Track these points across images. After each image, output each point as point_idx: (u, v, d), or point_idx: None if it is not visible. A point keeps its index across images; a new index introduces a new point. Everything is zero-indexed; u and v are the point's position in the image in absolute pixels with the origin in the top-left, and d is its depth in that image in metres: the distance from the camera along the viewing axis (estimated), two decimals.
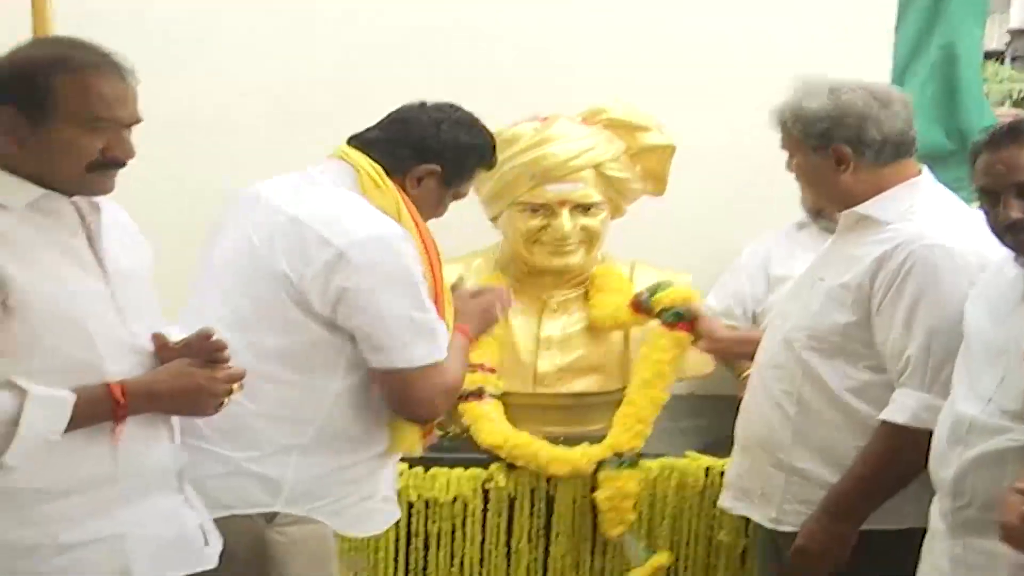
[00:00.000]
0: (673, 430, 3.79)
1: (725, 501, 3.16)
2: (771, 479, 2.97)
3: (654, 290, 3.59)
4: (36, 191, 2.34)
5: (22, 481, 2.31)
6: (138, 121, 2.41)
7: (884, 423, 2.78)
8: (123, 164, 2.39)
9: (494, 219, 3.73)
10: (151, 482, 2.47)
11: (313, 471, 2.76)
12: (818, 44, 3.97)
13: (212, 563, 2.57)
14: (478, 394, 3.56)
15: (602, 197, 3.62)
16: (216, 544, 2.59)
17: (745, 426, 3.08)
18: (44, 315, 2.30)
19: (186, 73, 3.91)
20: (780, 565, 3.05)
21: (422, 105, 2.93)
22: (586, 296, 3.76)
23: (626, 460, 3.43)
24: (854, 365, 2.86)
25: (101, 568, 2.40)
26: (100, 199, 2.47)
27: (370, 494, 2.88)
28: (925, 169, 2.98)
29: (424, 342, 2.72)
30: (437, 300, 2.82)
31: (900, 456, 2.75)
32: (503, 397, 3.62)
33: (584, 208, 3.60)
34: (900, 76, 4.37)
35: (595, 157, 3.58)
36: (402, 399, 2.78)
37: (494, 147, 2.99)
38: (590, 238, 3.64)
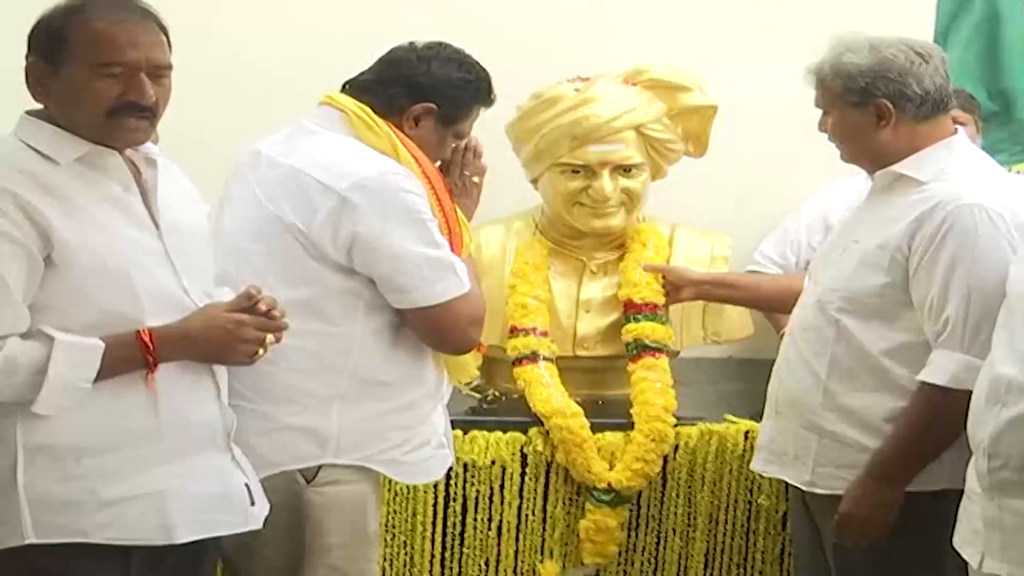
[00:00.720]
0: (712, 394, 3.79)
1: (757, 464, 3.14)
2: (804, 441, 2.95)
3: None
4: (85, 146, 2.35)
5: (63, 436, 2.32)
6: (160, 66, 2.39)
7: (923, 384, 2.76)
8: (146, 109, 2.37)
9: (535, 181, 3.69)
10: (196, 439, 2.47)
11: (358, 419, 2.77)
12: (860, 2, 3.91)
13: (257, 524, 2.57)
14: (532, 358, 3.54)
15: (643, 158, 3.59)
16: (263, 505, 2.59)
17: (777, 389, 3.06)
18: (88, 269, 2.30)
19: (212, 33, 3.91)
20: (812, 526, 3.04)
21: (411, 45, 2.92)
22: (623, 257, 3.72)
23: (614, 497, 3.41)
24: (890, 327, 2.83)
25: (142, 524, 2.39)
26: (157, 155, 2.48)
27: (425, 440, 2.88)
28: (960, 130, 2.97)
29: (444, 277, 2.74)
30: (451, 233, 2.83)
31: (941, 418, 2.72)
32: None
33: (625, 169, 3.56)
34: (943, 36, 4.31)
35: (636, 118, 3.54)
36: (435, 335, 2.80)
37: (489, 82, 2.95)
38: (631, 200, 3.60)
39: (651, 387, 3.49)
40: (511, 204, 3.76)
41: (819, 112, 2.97)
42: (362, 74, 2.91)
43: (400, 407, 2.82)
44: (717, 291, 3.65)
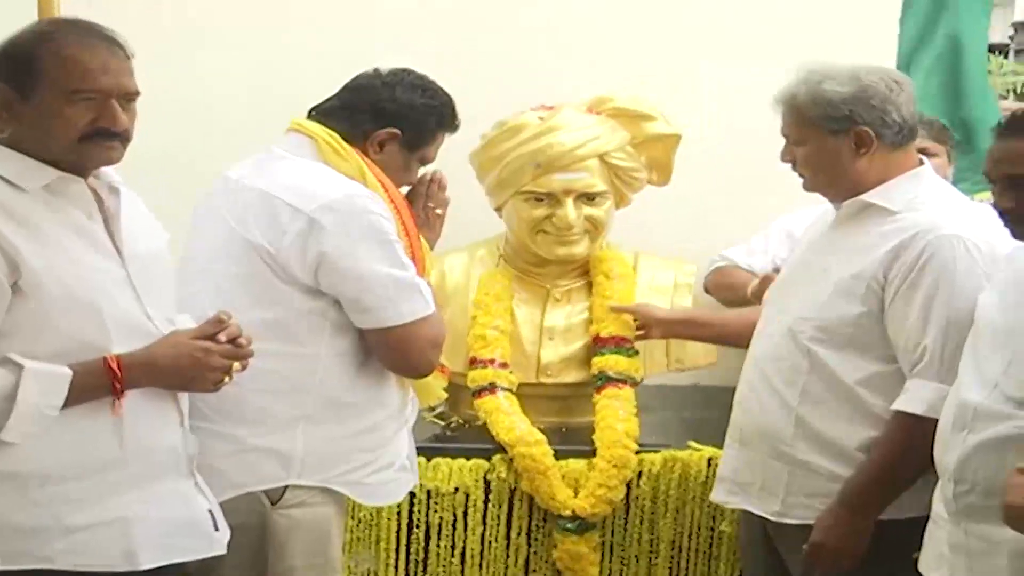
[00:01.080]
0: (676, 421, 3.80)
1: (719, 495, 3.13)
2: (773, 472, 2.95)
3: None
4: (52, 173, 2.36)
5: (27, 463, 2.32)
6: (129, 93, 2.41)
7: (899, 413, 2.76)
8: (117, 135, 2.39)
9: (498, 209, 3.71)
10: (160, 465, 2.47)
11: (323, 440, 2.78)
12: (823, 33, 3.95)
13: (221, 549, 2.57)
14: (491, 389, 3.57)
15: (607, 186, 3.61)
16: (225, 531, 2.59)
17: (742, 419, 3.05)
18: (55, 296, 2.31)
19: (192, 60, 3.90)
20: (772, 558, 3.03)
21: (376, 71, 2.96)
22: (590, 285, 3.74)
23: (579, 524, 3.41)
24: (863, 356, 2.84)
25: (106, 551, 2.40)
26: (119, 184, 2.49)
27: (389, 462, 2.90)
28: (927, 161, 2.99)
29: (408, 297, 2.76)
30: (415, 257, 2.85)
31: (916, 446, 2.71)
32: None
33: (589, 197, 3.59)
34: (905, 66, 4.35)
35: (600, 146, 3.57)
36: (395, 357, 2.82)
37: (453, 108, 2.99)
38: (595, 227, 3.62)
39: (614, 414, 3.51)
40: (475, 232, 3.77)
41: (775, 136, 2.97)
42: (327, 100, 2.94)
43: (364, 429, 2.84)
44: (686, 330, 3.65)
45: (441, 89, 2.97)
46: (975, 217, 2.84)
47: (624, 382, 3.58)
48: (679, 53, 4.02)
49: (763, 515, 2.99)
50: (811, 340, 2.87)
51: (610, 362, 3.59)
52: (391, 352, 2.80)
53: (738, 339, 3.58)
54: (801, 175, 2.99)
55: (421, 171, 3.05)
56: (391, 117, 2.88)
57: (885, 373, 2.82)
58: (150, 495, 2.44)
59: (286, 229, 2.70)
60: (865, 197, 2.87)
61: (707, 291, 3.94)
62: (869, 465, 2.81)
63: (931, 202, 2.85)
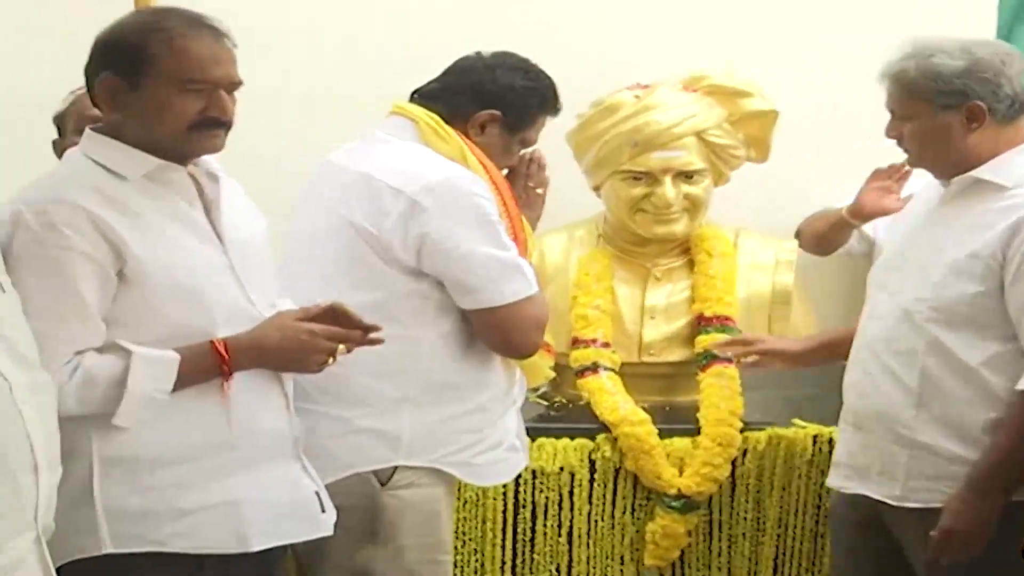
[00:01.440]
0: (780, 399, 3.77)
1: (835, 480, 3.07)
2: (892, 455, 2.89)
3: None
4: (153, 162, 2.39)
5: (138, 448, 2.36)
6: (234, 82, 2.44)
7: (1022, 393, 2.70)
8: (224, 124, 2.43)
9: (597, 188, 3.71)
10: (267, 448, 2.50)
11: (429, 421, 2.79)
12: (921, 4, 3.90)
13: (328, 531, 2.60)
14: (593, 369, 3.57)
15: (705, 164, 3.60)
16: (331, 512, 2.62)
17: (858, 403, 2.99)
18: (161, 284, 2.35)
19: (283, 47, 3.96)
20: (885, 541, 2.98)
21: (478, 55, 2.96)
22: (690, 264, 3.74)
23: (684, 503, 3.41)
24: (983, 336, 2.78)
25: (217, 534, 2.43)
26: (218, 171, 2.52)
27: (496, 443, 2.90)
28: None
29: (512, 278, 2.76)
30: (517, 239, 2.85)
31: None
32: None
33: (687, 175, 3.58)
34: (1005, 37, 4.26)
35: (697, 124, 3.56)
36: (498, 337, 2.81)
37: (555, 91, 2.98)
38: (694, 206, 3.62)
39: (718, 392, 3.50)
40: (574, 212, 3.78)
41: (882, 113, 2.93)
42: (430, 83, 2.95)
43: (470, 410, 2.84)
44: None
45: (543, 72, 2.98)
46: None
47: (729, 360, 3.56)
48: (776, 27, 3.99)
49: (883, 499, 2.92)
50: (928, 321, 2.81)
51: (716, 340, 3.58)
52: (494, 333, 2.81)
53: None
54: (907, 151, 2.95)
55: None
56: (492, 99, 2.89)
57: (1006, 352, 2.76)
58: (258, 478, 2.47)
59: (388, 211, 2.71)
60: (976, 173, 2.82)
61: (797, 238, 3.89)
62: (994, 448, 2.75)
63: None
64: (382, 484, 2.78)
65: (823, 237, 3.85)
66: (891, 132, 2.93)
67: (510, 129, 2.92)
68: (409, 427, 2.78)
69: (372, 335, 2.55)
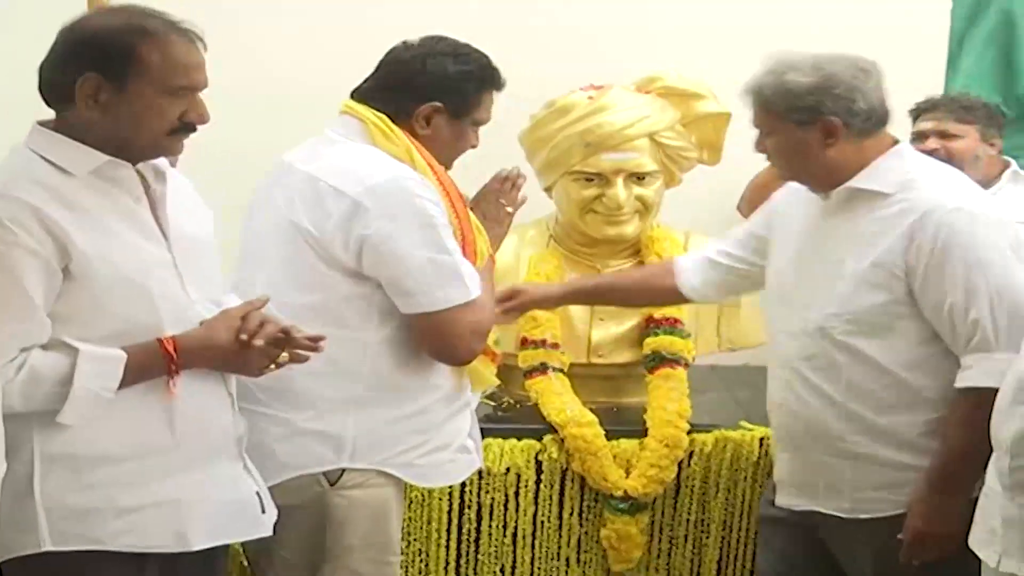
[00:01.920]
0: (727, 401, 3.79)
1: (784, 499, 3.06)
2: (836, 470, 2.91)
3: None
4: (100, 158, 2.37)
5: (80, 445, 2.34)
6: (205, 86, 2.44)
7: (968, 390, 2.73)
8: (196, 129, 2.42)
9: (548, 189, 3.71)
10: (210, 447, 2.49)
11: (374, 423, 2.78)
12: (874, 10, 3.92)
13: (267, 531, 2.60)
14: (542, 369, 3.58)
15: (657, 166, 3.60)
16: (271, 513, 2.61)
17: (790, 423, 3.00)
18: (107, 280, 2.33)
19: (243, 44, 3.92)
20: (814, 553, 3.01)
21: (405, 44, 2.90)
22: (641, 265, 3.73)
23: (631, 505, 3.42)
24: (903, 341, 2.81)
25: (159, 532, 2.42)
26: (166, 168, 2.50)
27: (443, 445, 2.88)
28: (903, 139, 2.97)
29: (449, 283, 2.72)
30: (465, 240, 2.82)
31: (988, 418, 2.64)
32: None
33: (639, 177, 3.59)
34: (958, 43, 4.31)
35: (650, 126, 3.56)
36: (434, 342, 2.78)
37: (491, 67, 2.91)
38: (645, 207, 3.62)
39: (666, 394, 3.51)
40: (524, 212, 3.75)
41: None
42: (366, 81, 2.91)
43: (415, 412, 2.82)
44: (575, 299, 3.55)
45: (475, 51, 2.91)
46: (966, 186, 2.86)
47: (677, 362, 3.58)
48: (729, 31, 3.99)
49: (833, 513, 2.94)
50: (845, 334, 2.83)
51: (663, 342, 3.59)
52: (430, 338, 2.78)
53: (629, 297, 3.54)
54: (776, 165, 2.98)
55: (500, 167, 3.07)
56: (429, 91, 2.83)
57: (928, 355, 2.80)
58: (201, 477, 2.46)
59: (331, 212, 2.69)
60: (853, 184, 2.84)
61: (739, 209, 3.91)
62: (946, 448, 2.78)
63: (922, 179, 2.82)
64: (331, 484, 2.77)
65: (768, 187, 3.78)
66: (757, 147, 2.96)
67: (456, 116, 2.87)
68: (353, 429, 2.76)
69: (316, 343, 2.54)
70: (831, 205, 2.90)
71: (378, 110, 2.83)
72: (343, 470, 2.77)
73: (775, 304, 3.06)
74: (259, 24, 4.00)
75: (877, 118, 2.84)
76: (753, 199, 3.85)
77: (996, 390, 2.60)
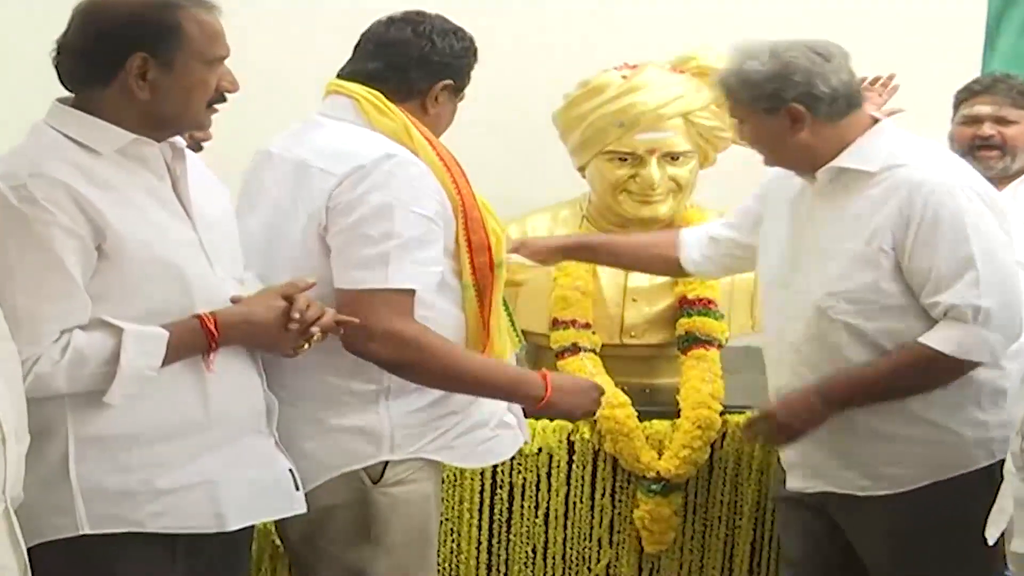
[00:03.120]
0: (760, 382, 3.69)
1: (795, 482, 3.05)
2: (845, 449, 2.92)
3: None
4: (126, 136, 2.35)
5: (116, 426, 2.33)
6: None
7: (924, 346, 2.76)
8: (226, 99, 2.44)
9: (581, 169, 3.69)
10: (243, 426, 2.49)
11: (407, 412, 2.72)
12: None
13: (302, 508, 2.58)
14: (573, 350, 3.56)
15: (691, 146, 3.60)
16: (301, 492, 2.60)
17: None
18: (140, 260, 2.32)
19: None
20: (828, 530, 3.03)
21: (394, 23, 2.79)
22: None
23: (664, 486, 3.41)
24: (901, 318, 2.82)
25: (194, 513, 2.41)
26: (182, 145, 2.49)
27: (481, 422, 2.81)
28: (942, 120, 3.01)
29: (368, 265, 2.56)
30: (468, 217, 2.71)
31: (925, 383, 2.79)
32: None
33: (673, 157, 3.58)
34: (995, 26, 4.27)
35: (684, 105, 3.55)
36: (339, 327, 2.57)
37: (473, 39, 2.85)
38: (679, 187, 3.61)
39: (699, 375, 3.50)
40: (558, 192, 3.76)
41: None
42: (359, 62, 2.78)
43: (445, 393, 2.76)
44: (578, 254, 3.52)
45: (460, 26, 2.84)
46: (951, 160, 2.89)
47: (711, 343, 3.57)
48: (764, 9, 3.96)
49: (851, 492, 2.94)
50: (844, 314, 2.84)
51: (697, 324, 3.58)
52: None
53: (631, 261, 3.54)
54: (759, 152, 2.99)
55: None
56: (442, 69, 2.76)
57: (926, 329, 2.80)
58: (235, 456, 2.45)
59: (322, 194, 2.61)
60: (838, 163, 2.85)
61: None
62: (866, 375, 2.84)
63: (906, 156, 2.83)
64: (373, 482, 2.71)
65: None
66: (738, 135, 3.00)
67: (456, 92, 2.82)
68: (388, 421, 2.71)
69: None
70: (819, 185, 2.92)
71: (380, 90, 2.73)
72: (385, 464, 2.72)
73: (772, 286, 3.07)
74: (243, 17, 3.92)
75: (845, 100, 2.84)
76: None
77: (949, 359, 2.71)
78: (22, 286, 2.22)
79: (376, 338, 2.58)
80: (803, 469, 3.02)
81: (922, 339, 2.76)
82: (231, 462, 2.45)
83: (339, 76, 2.80)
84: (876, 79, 3.69)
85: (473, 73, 2.84)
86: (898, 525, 2.90)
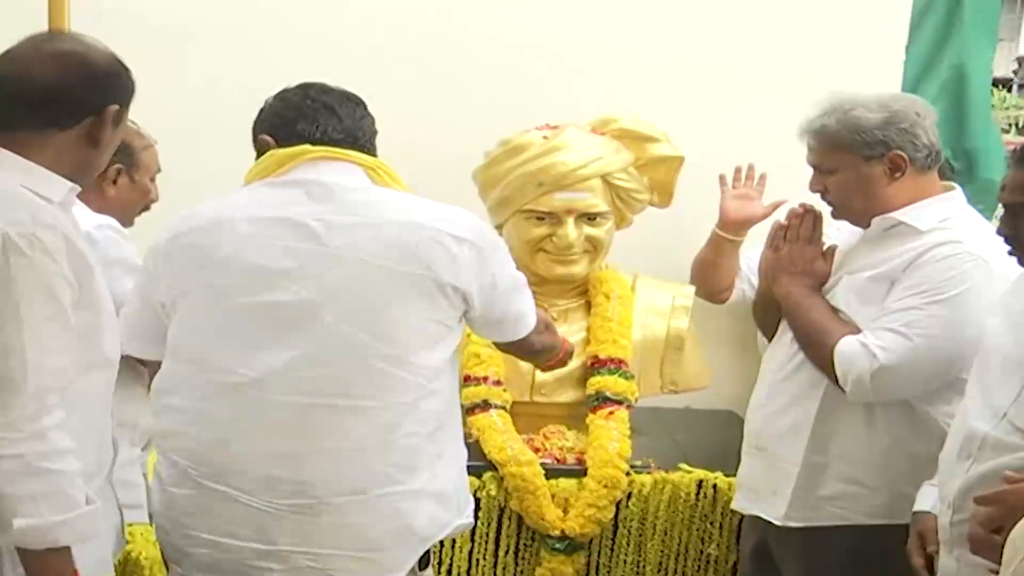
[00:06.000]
0: (667, 443, 3.79)
1: (736, 502, 3.21)
2: (786, 476, 3.02)
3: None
4: (66, 184, 2.32)
5: None
6: None
7: (866, 347, 2.85)
8: None
9: (499, 227, 3.70)
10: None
11: (460, 471, 2.74)
12: (829, 61, 3.95)
13: None
14: (484, 407, 3.57)
15: (608, 207, 3.63)
16: None
17: (760, 428, 3.14)
18: (106, 312, 2.37)
19: (190, 72, 3.88)
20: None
21: (317, 92, 2.70)
22: (587, 305, 3.76)
23: (568, 545, 3.42)
24: None
25: None
26: None
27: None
28: (958, 187, 3.07)
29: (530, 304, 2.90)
30: None
31: (829, 371, 2.92)
32: None
33: (590, 217, 3.60)
34: (910, 94, 4.35)
35: (604, 167, 3.58)
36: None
37: None
38: (595, 248, 3.64)
39: (607, 435, 3.50)
40: None
41: (785, 164, 3.05)
42: (327, 128, 2.65)
43: (464, 454, 2.80)
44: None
45: None
46: (991, 238, 2.87)
47: (620, 403, 3.58)
48: (684, 77, 4.01)
49: (769, 519, 3.05)
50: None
51: (607, 383, 3.60)
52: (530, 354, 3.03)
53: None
54: (831, 203, 3.06)
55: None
56: (372, 137, 2.73)
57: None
58: None
59: (456, 257, 2.59)
60: (896, 215, 2.94)
61: (693, 282, 3.90)
62: (800, 327, 3.01)
63: (960, 223, 2.92)
64: (421, 568, 2.68)
65: (708, 263, 3.82)
66: (815, 186, 3.04)
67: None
68: (452, 482, 2.69)
69: None
70: (869, 234, 3.01)
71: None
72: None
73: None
74: (199, 53, 3.92)
75: (934, 155, 2.95)
76: (697, 272, 3.89)
77: (875, 369, 2.80)
78: (32, 338, 2.16)
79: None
80: (748, 491, 3.14)
81: (860, 337, 2.86)
82: None
83: (324, 143, 2.65)
84: (737, 170, 3.79)
85: (396, 129, 2.83)
86: (815, 565, 2.98)
